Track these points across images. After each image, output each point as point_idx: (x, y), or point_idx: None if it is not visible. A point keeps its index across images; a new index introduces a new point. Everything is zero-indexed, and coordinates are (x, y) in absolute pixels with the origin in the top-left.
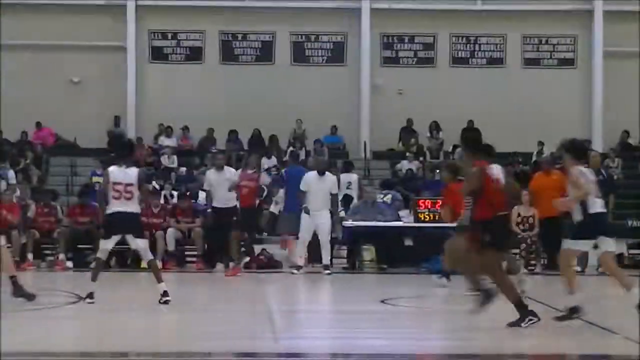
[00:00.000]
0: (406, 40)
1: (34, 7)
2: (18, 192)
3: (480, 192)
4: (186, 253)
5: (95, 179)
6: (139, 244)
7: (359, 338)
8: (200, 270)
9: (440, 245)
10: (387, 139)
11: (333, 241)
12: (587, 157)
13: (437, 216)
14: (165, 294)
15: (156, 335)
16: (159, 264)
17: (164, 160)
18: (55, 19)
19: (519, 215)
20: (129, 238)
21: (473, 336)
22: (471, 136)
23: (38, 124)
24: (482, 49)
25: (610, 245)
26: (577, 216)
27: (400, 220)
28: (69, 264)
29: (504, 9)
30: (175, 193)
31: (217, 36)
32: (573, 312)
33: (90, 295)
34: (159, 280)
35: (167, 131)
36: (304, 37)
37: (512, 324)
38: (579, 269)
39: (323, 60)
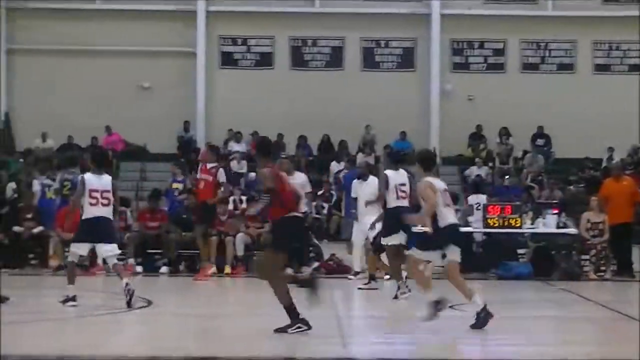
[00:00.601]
0: (476, 46)
1: (105, 13)
2: None
3: (274, 193)
4: (255, 258)
5: (175, 185)
6: (108, 250)
7: (426, 343)
8: None
9: (509, 251)
10: (457, 145)
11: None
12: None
13: (506, 222)
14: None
15: (221, 339)
16: (229, 269)
17: (234, 165)
18: (126, 25)
19: (588, 221)
20: (98, 246)
21: (535, 341)
22: (261, 142)
23: (108, 129)
24: (552, 55)
25: (457, 255)
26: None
27: (469, 226)
28: (139, 268)
29: (575, 14)
30: (244, 198)
31: (287, 42)
32: (438, 304)
33: (74, 298)
34: (122, 277)
35: (237, 136)
36: (373, 42)
37: (279, 330)
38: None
39: (393, 65)
